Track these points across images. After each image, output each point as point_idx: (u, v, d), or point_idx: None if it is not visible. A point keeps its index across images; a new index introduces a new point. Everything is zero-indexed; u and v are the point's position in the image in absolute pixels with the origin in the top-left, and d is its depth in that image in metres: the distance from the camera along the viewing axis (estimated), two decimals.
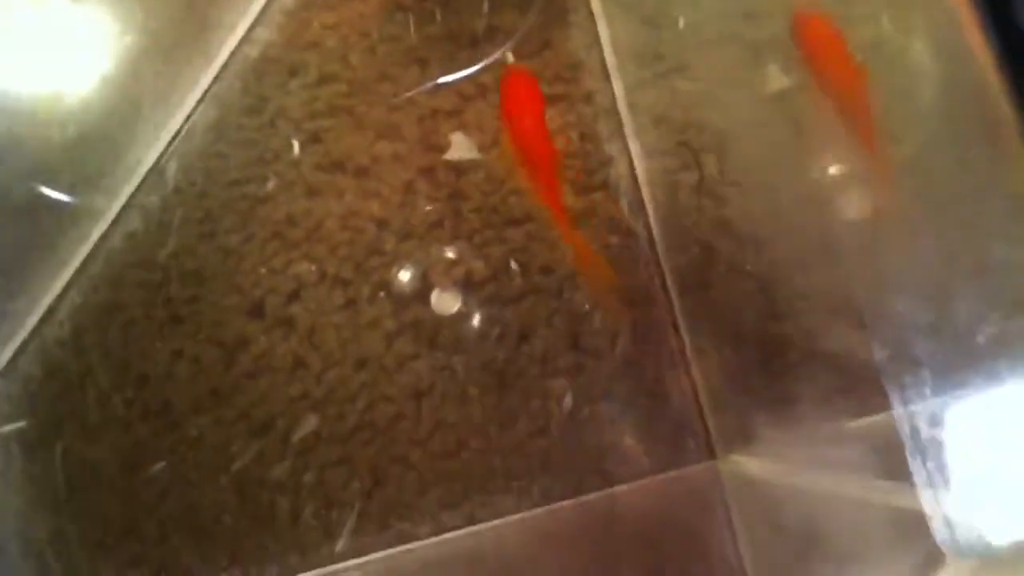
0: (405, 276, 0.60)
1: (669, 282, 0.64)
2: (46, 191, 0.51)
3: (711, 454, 0.59)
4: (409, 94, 0.63)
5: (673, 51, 0.66)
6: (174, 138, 0.57)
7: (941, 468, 0.38)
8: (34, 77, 0.53)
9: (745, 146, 0.65)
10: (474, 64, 0.62)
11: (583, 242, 0.59)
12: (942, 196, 0.49)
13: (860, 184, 0.59)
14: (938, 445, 0.38)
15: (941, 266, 0.46)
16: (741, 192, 0.64)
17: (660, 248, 0.64)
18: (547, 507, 0.57)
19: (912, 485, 0.38)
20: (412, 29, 0.63)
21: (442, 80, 0.64)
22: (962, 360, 0.42)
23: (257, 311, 0.57)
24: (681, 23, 0.66)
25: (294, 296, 0.58)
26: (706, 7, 0.67)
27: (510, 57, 0.64)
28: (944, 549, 0.36)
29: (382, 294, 0.59)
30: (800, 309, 0.61)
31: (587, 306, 0.61)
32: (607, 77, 0.66)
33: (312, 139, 0.60)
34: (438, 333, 0.59)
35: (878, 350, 0.46)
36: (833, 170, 0.62)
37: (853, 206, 0.61)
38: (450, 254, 0.61)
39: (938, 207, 0.48)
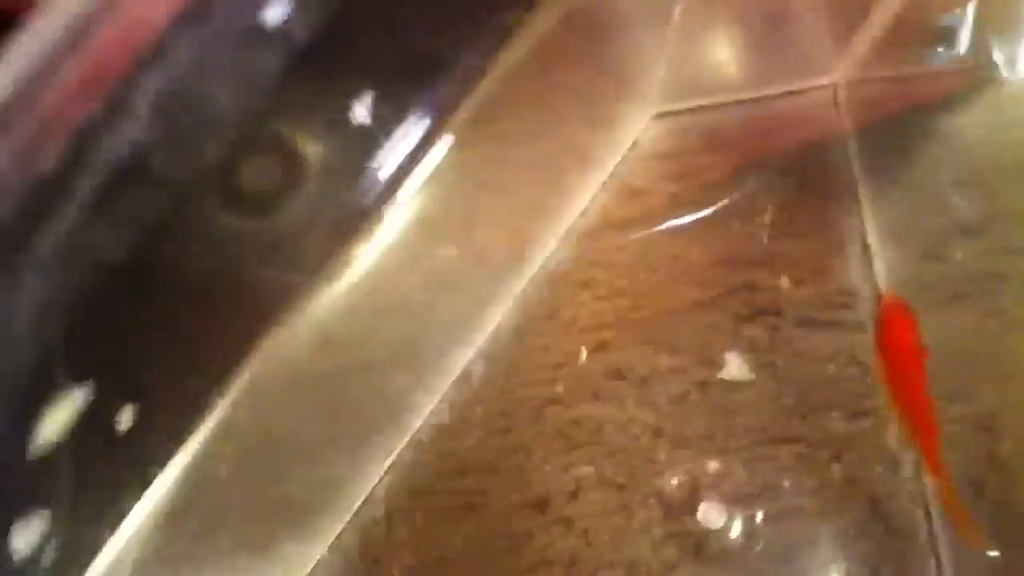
0: (675, 485, 0.66)
1: (935, 522, 0.67)
2: (380, 387, 0.62)
3: None
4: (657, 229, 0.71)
5: (945, 284, 0.70)
6: (486, 341, 0.67)
7: None
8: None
9: (1019, 381, 0.68)
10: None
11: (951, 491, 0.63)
12: None
13: None
14: None
15: None
16: (1019, 430, 0.67)
17: (929, 480, 0.67)
18: None
19: None
20: (694, 251, 0.72)
21: (683, 220, 0.72)
22: None
23: (541, 507, 0.65)
24: (953, 256, 0.71)
25: (574, 496, 0.66)
26: (979, 244, 0.72)
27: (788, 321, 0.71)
28: None
29: (653, 501, 0.66)
30: None
31: (850, 535, 0.65)
32: (878, 306, 0.71)
33: (599, 347, 0.69)
34: (703, 545, 0.65)
35: None
36: None
37: None
38: (720, 468, 0.67)
39: None
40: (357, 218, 0.50)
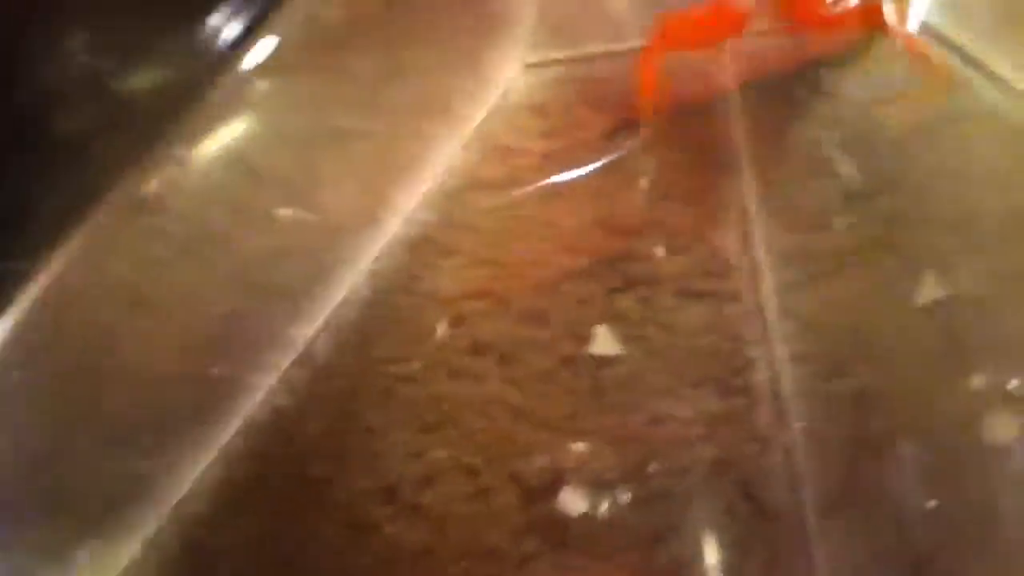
0: (536, 469, 0.63)
1: (807, 498, 0.65)
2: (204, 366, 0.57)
3: None
4: (528, 189, 0.67)
5: (827, 254, 0.68)
6: (331, 315, 0.62)
7: None
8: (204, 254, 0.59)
9: (898, 356, 0.67)
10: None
11: None
12: None
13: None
14: None
15: None
16: (893, 406, 0.65)
17: (800, 460, 0.65)
18: None
19: None
20: (567, 217, 0.67)
21: (557, 178, 0.68)
22: None
23: (390, 495, 0.61)
24: (837, 225, 0.69)
25: (426, 482, 0.62)
26: (865, 211, 0.69)
27: (662, 252, 0.68)
28: None
29: (512, 486, 0.62)
30: (949, 545, 0.62)
31: (718, 520, 0.63)
32: (756, 277, 0.69)
33: (458, 321, 0.65)
34: (565, 532, 0.62)
35: None
36: (982, 386, 0.63)
37: (1008, 426, 0.62)
38: (584, 449, 0.64)
39: None
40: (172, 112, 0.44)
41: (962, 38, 0.68)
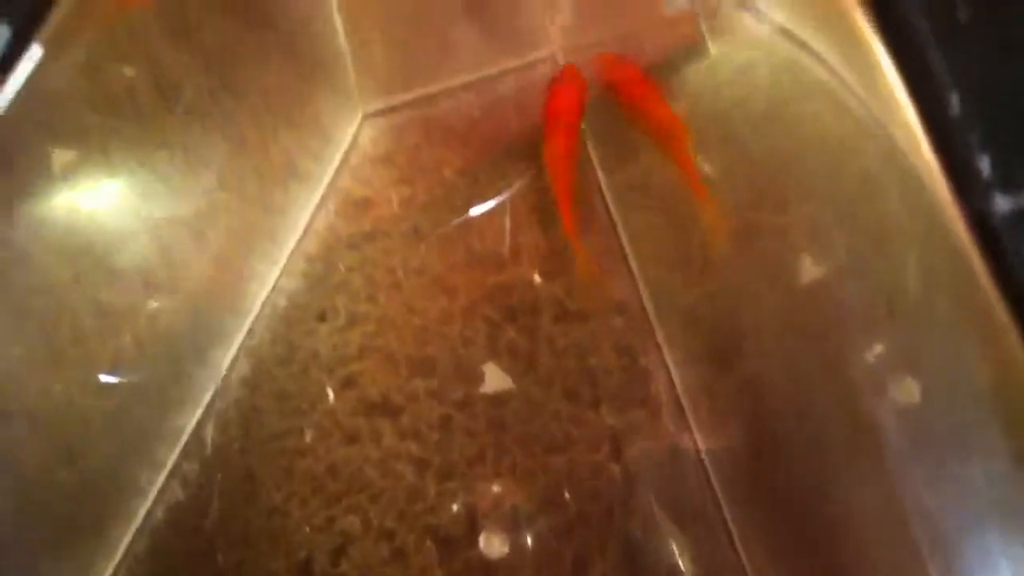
0: (450, 519, 0.71)
1: (720, 496, 0.75)
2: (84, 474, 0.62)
3: None
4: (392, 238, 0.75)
5: (699, 249, 0.78)
6: (212, 399, 0.69)
7: None
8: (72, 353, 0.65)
9: (781, 342, 0.77)
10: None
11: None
12: None
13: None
14: None
15: None
16: (781, 392, 0.75)
17: (708, 461, 0.75)
18: None
19: None
20: (436, 259, 0.76)
21: (473, 211, 0.76)
22: None
23: (305, 571, 0.68)
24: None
25: (340, 552, 0.68)
26: (728, 198, 0.80)
27: (537, 277, 0.77)
28: None
29: (428, 541, 0.70)
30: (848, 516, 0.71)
31: (639, 533, 0.72)
32: (635, 285, 0.78)
33: (346, 384, 0.72)
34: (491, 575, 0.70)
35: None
36: (872, 357, 0.74)
37: (898, 393, 0.72)
38: (495, 490, 0.72)
39: None
40: None
41: (785, 19, 0.79)
